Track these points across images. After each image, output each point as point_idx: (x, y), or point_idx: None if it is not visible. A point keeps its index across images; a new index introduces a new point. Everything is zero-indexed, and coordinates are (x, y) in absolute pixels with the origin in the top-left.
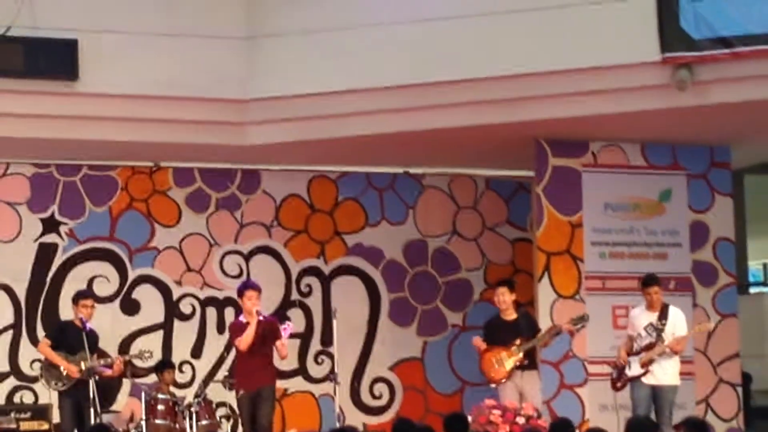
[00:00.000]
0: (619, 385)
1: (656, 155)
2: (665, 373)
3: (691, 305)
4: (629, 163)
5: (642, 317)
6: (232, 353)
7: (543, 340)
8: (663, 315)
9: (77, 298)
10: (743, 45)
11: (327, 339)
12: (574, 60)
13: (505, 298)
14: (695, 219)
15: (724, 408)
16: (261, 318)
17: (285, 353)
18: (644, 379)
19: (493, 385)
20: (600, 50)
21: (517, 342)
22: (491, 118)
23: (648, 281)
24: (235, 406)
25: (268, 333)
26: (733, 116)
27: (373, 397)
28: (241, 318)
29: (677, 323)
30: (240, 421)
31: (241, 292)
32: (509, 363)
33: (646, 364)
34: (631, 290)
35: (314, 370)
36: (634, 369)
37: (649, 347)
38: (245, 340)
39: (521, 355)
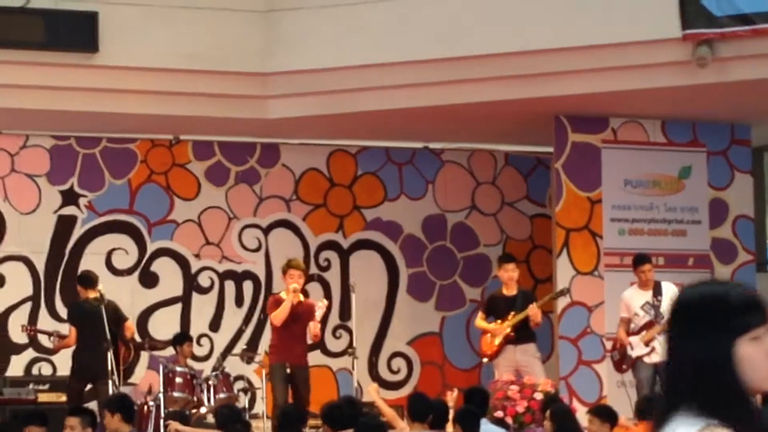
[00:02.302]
0: (624, 366)
1: (676, 132)
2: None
3: None
4: (649, 139)
5: (637, 297)
6: (251, 327)
7: (530, 312)
8: (657, 292)
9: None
10: (764, 22)
11: (345, 313)
12: (594, 36)
13: (514, 274)
14: (715, 196)
15: None
16: (300, 299)
17: (315, 332)
18: (647, 359)
19: (485, 360)
20: (621, 26)
21: (509, 317)
22: (511, 94)
23: (640, 260)
24: (252, 379)
25: (302, 314)
26: (753, 93)
27: (391, 371)
28: (282, 293)
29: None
30: (273, 388)
31: (284, 270)
32: (498, 338)
33: (649, 343)
34: None
35: (332, 344)
36: (637, 349)
37: (650, 325)
38: (279, 316)
39: (509, 330)
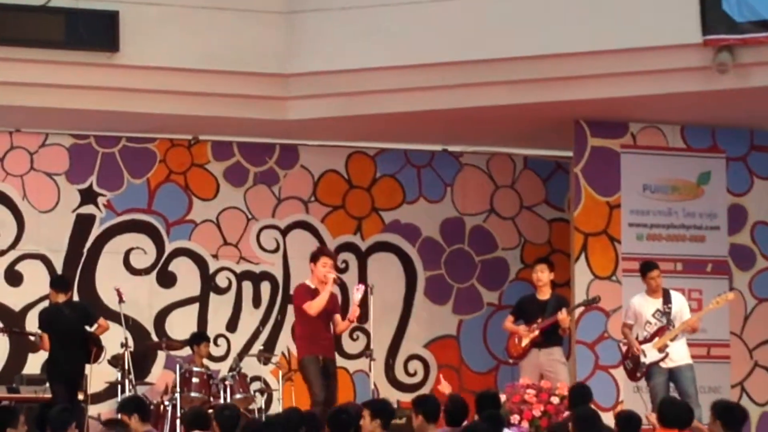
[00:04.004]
0: (639, 375)
1: (695, 137)
2: (680, 354)
3: (728, 288)
4: (668, 144)
5: (646, 305)
6: (268, 327)
7: (559, 318)
8: (667, 299)
9: None
10: None
11: (363, 316)
12: (615, 41)
13: (543, 275)
14: (733, 202)
15: (759, 392)
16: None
17: (351, 318)
18: (662, 364)
19: (511, 361)
20: (641, 31)
21: (539, 320)
22: (531, 97)
23: (649, 267)
24: (269, 380)
25: (331, 305)
26: None
27: (408, 374)
28: (308, 282)
29: (682, 306)
30: (310, 382)
31: (315, 257)
32: (525, 341)
33: (662, 349)
34: (669, 272)
35: (349, 346)
36: (651, 355)
37: (662, 332)
38: (317, 305)
39: (537, 332)
